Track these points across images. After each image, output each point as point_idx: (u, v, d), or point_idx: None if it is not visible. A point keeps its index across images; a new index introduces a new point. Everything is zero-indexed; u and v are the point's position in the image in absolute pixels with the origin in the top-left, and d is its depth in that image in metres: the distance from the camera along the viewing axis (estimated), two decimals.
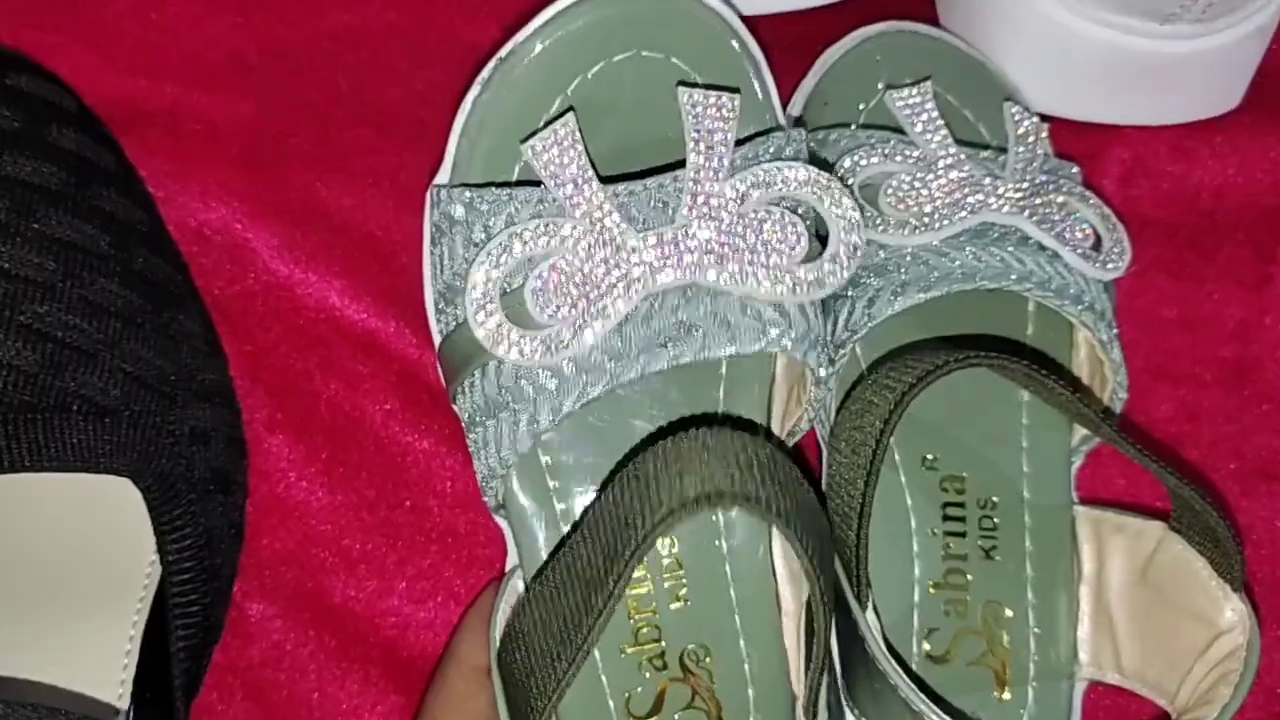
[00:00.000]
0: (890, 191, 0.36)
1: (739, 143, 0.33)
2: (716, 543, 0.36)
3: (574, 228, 0.32)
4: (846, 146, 0.38)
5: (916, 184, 0.37)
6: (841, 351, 0.36)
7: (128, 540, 0.36)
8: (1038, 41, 0.41)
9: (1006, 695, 0.37)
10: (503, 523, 0.36)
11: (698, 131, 0.32)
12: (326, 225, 0.42)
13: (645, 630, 0.36)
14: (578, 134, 0.32)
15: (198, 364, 0.38)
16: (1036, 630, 0.38)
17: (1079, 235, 0.37)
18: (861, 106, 0.40)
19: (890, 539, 0.38)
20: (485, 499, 0.35)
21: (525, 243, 0.32)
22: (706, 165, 0.32)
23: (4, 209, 0.35)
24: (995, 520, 0.39)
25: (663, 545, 0.37)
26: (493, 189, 0.34)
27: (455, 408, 0.35)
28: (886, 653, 0.32)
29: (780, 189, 0.32)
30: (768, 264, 0.32)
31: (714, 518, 0.36)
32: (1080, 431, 0.40)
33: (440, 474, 0.41)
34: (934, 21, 0.44)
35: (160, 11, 0.43)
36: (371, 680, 0.39)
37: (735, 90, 0.33)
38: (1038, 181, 0.38)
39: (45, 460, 0.33)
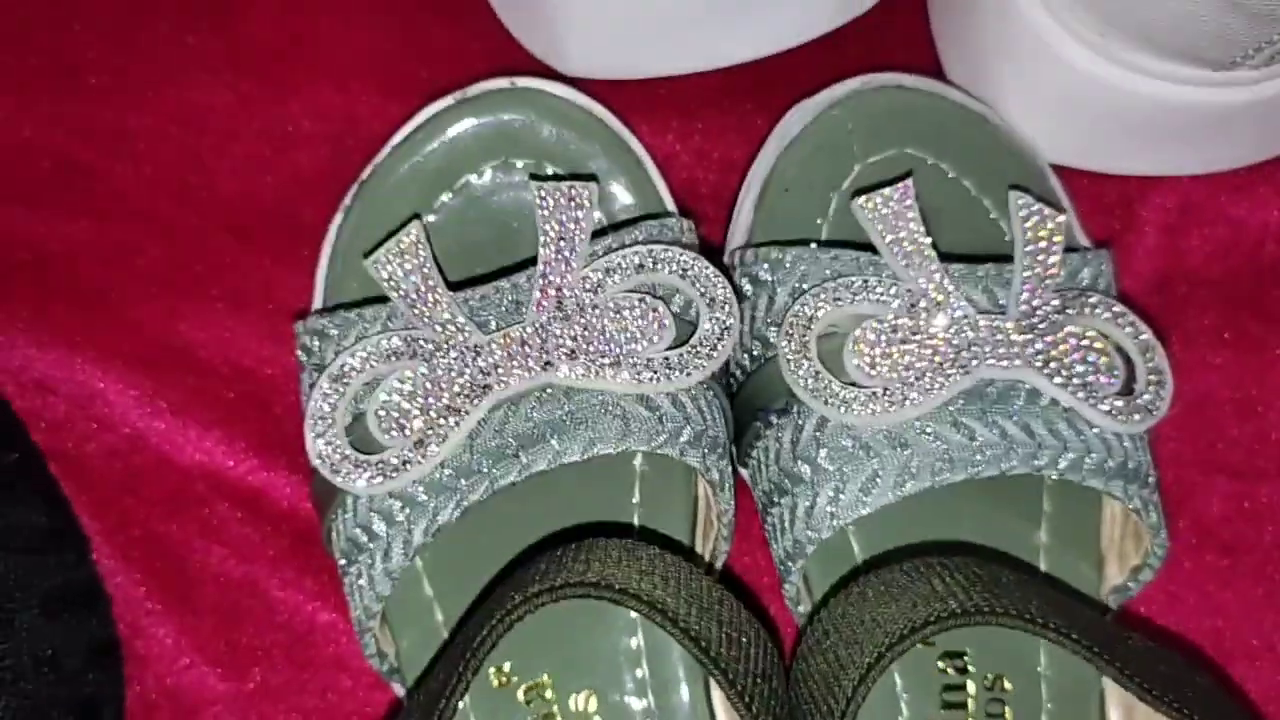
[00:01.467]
0: (858, 350, 0.29)
1: (613, 230, 0.31)
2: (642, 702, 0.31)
3: (411, 340, 0.29)
4: (804, 276, 0.30)
5: (893, 338, 0.29)
6: (798, 561, 0.29)
7: None
8: (1062, 92, 0.32)
9: None
10: (397, 688, 0.32)
11: (547, 224, 0.30)
12: (190, 364, 0.35)
13: None
14: (422, 242, 0.30)
15: (40, 569, 0.32)
16: None
17: (1103, 380, 0.29)
18: (831, 195, 0.32)
19: None
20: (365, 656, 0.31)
21: (360, 362, 0.29)
22: (557, 257, 0.30)
23: None
24: (1005, 705, 0.32)
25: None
26: (341, 311, 0.31)
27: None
28: None
29: (636, 274, 0.29)
30: (625, 354, 0.29)
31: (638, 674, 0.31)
32: (1110, 577, 0.33)
33: (353, 648, 0.35)
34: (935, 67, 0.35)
35: None
36: None
37: (591, 178, 0.31)
38: (1049, 310, 0.29)
39: None
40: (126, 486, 0.35)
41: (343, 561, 0.31)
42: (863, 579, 0.28)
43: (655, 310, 0.29)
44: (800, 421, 0.29)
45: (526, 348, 0.29)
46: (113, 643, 0.34)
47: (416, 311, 0.30)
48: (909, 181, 0.30)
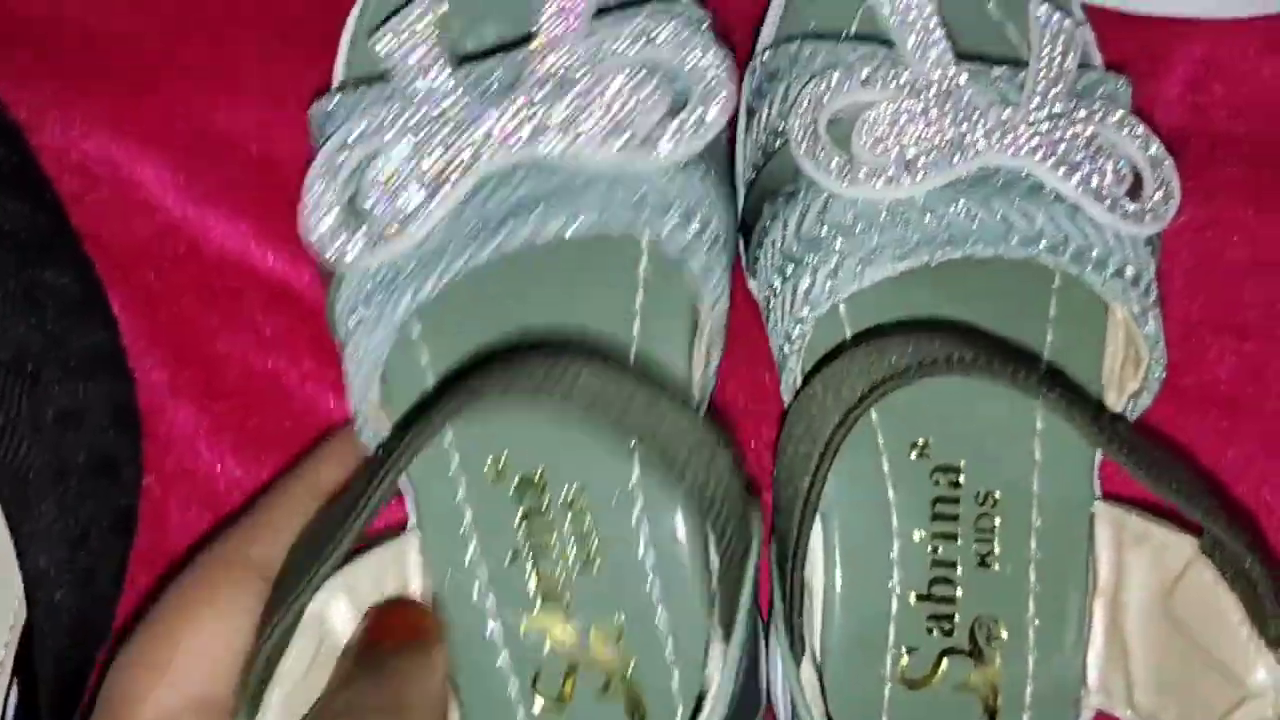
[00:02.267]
0: (865, 129, 0.29)
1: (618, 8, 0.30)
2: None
3: (405, 113, 0.30)
4: (821, 66, 0.31)
5: (899, 119, 0.29)
6: (799, 328, 0.30)
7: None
8: None
9: None
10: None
11: None
12: (228, 156, 0.37)
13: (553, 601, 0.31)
14: (426, 18, 0.30)
15: (71, 329, 0.34)
16: (1036, 653, 0.32)
17: (1110, 179, 0.29)
18: (859, 10, 0.33)
19: (867, 540, 0.32)
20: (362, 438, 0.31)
21: (354, 136, 0.30)
22: (555, 27, 0.30)
23: None
24: (995, 520, 0.33)
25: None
26: (347, 90, 0.32)
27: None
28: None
29: (635, 46, 0.29)
30: (616, 127, 0.29)
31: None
32: (1112, 401, 0.33)
33: None
34: None
35: None
36: None
37: None
38: (1060, 110, 0.30)
39: None
40: (157, 271, 0.36)
41: (341, 341, 0.31)
42: (855, 346, 0.29)
43: (651, 84, 0.29)
44: (806, 203, 0.30)
45: (518, 119, 0.29)
46: (134, 412, 0.35)
47: (413, 85, 0.30)
48: None
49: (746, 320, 0.34)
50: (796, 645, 0.28)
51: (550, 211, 0.29)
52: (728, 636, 0.29)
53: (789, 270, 0.30)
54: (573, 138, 0.29)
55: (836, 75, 0.30)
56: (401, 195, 0.30)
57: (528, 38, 0.30)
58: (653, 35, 0.29)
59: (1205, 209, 0.36)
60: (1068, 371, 0.32)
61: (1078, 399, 0.27)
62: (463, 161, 0.30)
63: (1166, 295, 0.33)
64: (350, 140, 0.30)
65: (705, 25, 0.31)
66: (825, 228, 0.30)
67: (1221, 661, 0.28)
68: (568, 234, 0.29)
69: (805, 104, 0.30)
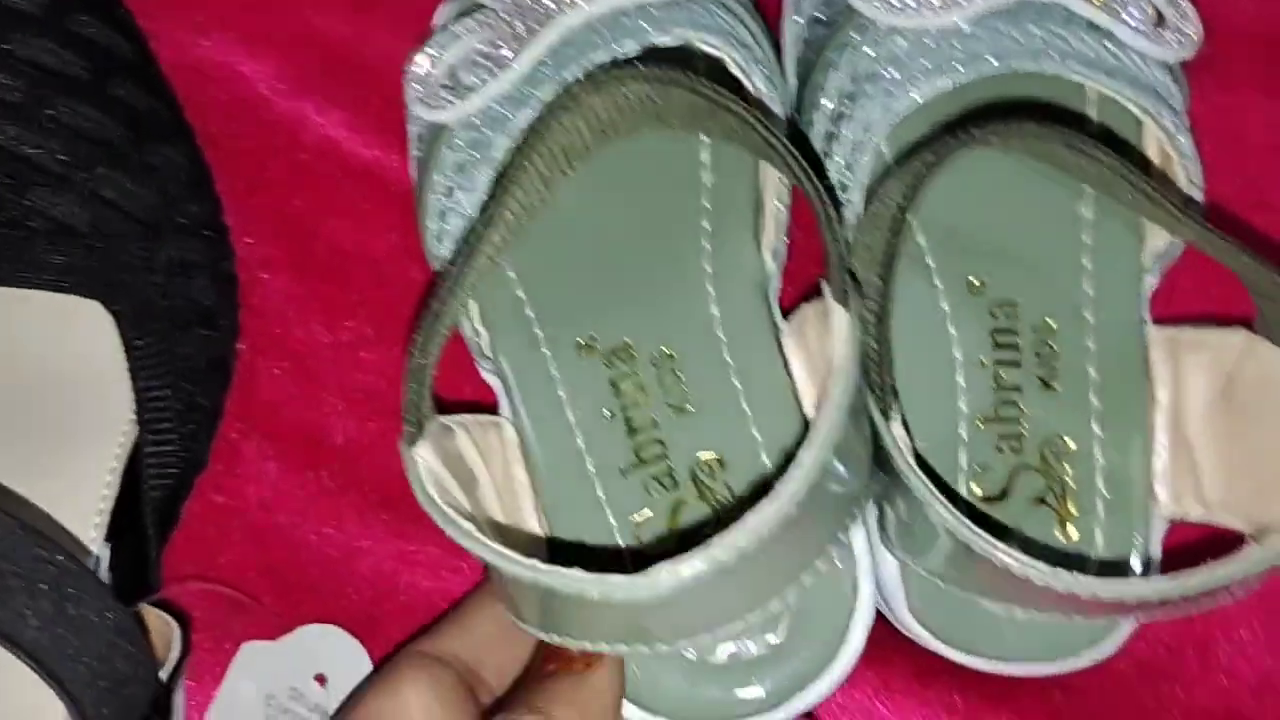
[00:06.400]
0: None
1: None
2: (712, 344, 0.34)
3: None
4: None
5: None
6: (861, 157, 0.32)
7: (112, 374, 0.34)
8: None
9: (1073, 534, 0.33)
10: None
11: None
12: (327, 56, 0.40)
13: (648, 447, 0.33)
14: None
15: (182, 197, 0.36)
16: (1103, 463, 0.33)
17: (1135, 13, 0.33)
18: None
19: (931, 373, 0.34)
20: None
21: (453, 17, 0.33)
22: None
23: None
24: (1054, 346, 0.34)
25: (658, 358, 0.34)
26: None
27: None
28: (914, 466, 0.28)
29: None
30: None
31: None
32: (1152, 243, 0.35)
33: None
34: None
35: None
36: (370, 522, 0.37)
37: None
38: None
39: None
40: (259, 163, 0.39)
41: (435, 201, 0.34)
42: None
43: None
44: (860, 48, 0.33)
45: None
46: (233, 278, 0.38)
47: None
48: None
49: None
50: (889, 396, 0.29)
51: (623, 38, 0.32)
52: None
53: (847, 108, 0.33)
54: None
55: None
56: (493, 51, 0.33)
57: None
58: None
59: (1224, 95, 0.39)
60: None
61: (1127, 159, 0.29)
62: (543, 18, 0.32)
63: None
64: (449, 24, 0.34)
65: None
66: (879, 63, 0.32)
67: None
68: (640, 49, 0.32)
69: None
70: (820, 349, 0.33)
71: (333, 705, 0.34)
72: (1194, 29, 0.33)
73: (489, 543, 0.27)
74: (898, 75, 0.32)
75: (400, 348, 0.38)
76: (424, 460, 0.28)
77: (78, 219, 0.33)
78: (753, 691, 0.32)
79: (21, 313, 0.34)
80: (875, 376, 0.30)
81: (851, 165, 0.33)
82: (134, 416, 0.33)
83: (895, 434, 0.29)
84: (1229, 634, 0.36)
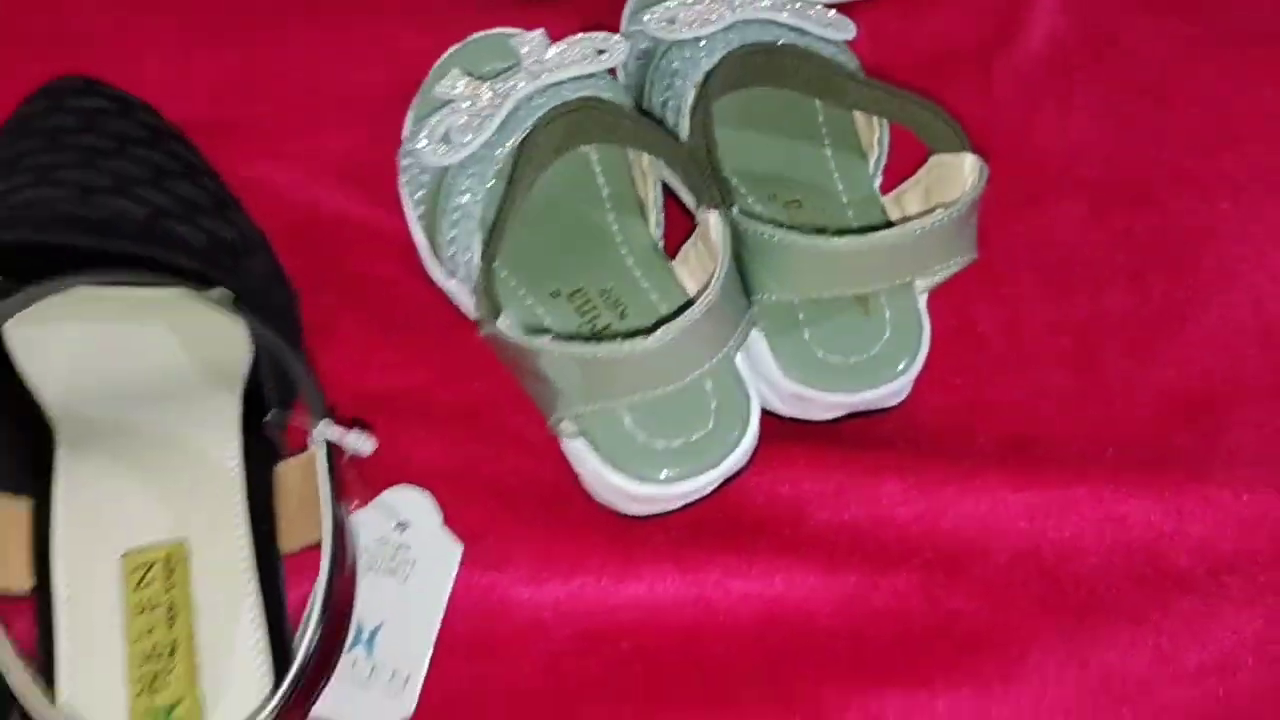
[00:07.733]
0: (681, 13, 0.56)
1: None
2: (631, 279, 0.53)
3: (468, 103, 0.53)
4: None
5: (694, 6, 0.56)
6: (679, 101, 0.54)
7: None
8: None
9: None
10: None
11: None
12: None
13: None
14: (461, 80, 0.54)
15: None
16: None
17: (814, 15, 0.56)
18: None
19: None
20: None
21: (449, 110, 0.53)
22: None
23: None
24: (824, 212, 0.55)
25: (604, 292, 0.53)
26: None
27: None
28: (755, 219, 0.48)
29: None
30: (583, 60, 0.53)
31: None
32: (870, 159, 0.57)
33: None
34: None
35: None
36: None
37: None
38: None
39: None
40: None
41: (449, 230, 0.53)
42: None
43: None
44: (664, 56, 0.55)
45: (528, 76, 0.52)
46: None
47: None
48: None
49: None
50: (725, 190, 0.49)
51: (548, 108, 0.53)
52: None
53: (668, 83, 0.55)
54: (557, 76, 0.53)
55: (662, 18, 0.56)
56: (470, 122, 0.53)
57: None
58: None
59: None
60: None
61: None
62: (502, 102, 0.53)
63: None
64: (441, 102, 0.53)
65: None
66: (677, 62, 0.55)
67: (954, 183, 0.50)
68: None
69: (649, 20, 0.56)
70: (699, 267, 0.52)
71: (414, 543, 0.48)
72: (850, 29, 0.56)
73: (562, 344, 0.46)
74: (692, 57, 0.54)
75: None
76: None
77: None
78: (691, 459, 0.48)
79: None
80: (712, 180, 0.49)
81: (680, 109, 0.54)
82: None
83: (734, 213, 0.48)
84: None
